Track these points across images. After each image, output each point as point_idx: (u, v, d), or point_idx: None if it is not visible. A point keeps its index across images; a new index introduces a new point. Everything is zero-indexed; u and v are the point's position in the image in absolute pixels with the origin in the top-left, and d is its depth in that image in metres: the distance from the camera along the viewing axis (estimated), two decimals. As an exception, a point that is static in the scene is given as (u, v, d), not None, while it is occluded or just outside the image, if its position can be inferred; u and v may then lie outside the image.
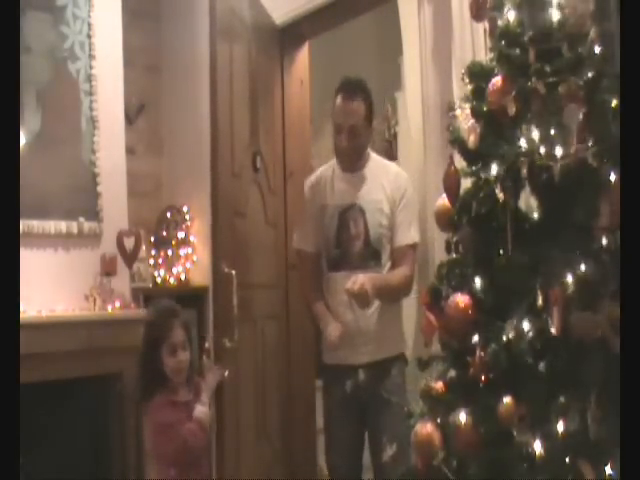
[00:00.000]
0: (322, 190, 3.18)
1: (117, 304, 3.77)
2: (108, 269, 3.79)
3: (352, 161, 3.13)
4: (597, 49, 2.09)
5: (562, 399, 1.98)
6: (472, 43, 2.90)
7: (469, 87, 2.37)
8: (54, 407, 3.62)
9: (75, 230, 3.79)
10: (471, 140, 2.29)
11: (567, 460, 1.94)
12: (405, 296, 3.12)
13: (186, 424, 2.58)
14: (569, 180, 2.06)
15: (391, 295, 3.04)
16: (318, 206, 3.17)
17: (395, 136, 5.05)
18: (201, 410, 2.63)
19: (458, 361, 2.25)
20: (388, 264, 3.09)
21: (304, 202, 3.28)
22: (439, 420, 2.23)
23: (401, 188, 3.10)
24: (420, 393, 2.37)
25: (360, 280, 2.83)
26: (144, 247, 4.20)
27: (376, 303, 3.00)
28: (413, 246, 3.08)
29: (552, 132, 2.07)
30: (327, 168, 3.26)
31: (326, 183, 3.18)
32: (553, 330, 2.00)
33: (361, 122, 3.06)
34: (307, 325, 3.78)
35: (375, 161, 3.20)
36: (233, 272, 2.98)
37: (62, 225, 3.74)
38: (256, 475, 3.37)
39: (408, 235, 3.07)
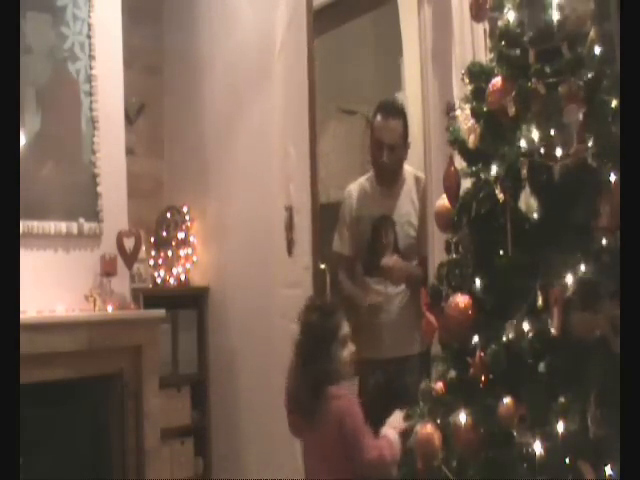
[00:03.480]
0: (359, 201, 3.45)
1: (117, 304, 3.78)
2: (108, 269, 3.79)
3: (389, 176, 3.38)
4: (597, 49, 2.09)
5: (562, 399, 1.97)
6: (472, 43, 2.90)
7: (469, 87, 2.37)
8: (54, 407, 3.61)
9: (75, 230, 3.79)
10: (471, 140, 2.30)
11: (567, 460, 1.94)
12: None
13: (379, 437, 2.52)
14: (569, 180, 2.06)
15: (415, 284, 3.25)
16: (354, 215, 3.44)
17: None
18: (392, 433, 2.55)
19: (458, 361, 2.25)
20: None
21: (342, 209, 3.52)
22: (439, 420, 2.23)
23: None
24: (420, 393, 2.37)
25: (395, 258, 3.24)
26: (144, 248, 4.20)
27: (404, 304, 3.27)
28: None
29: (552, 132, 2.07)
30: (364, 180, 3.51)
31: (363, 195, 3.45)
32: (553, 330, 2.00)
33: (399, 140, 3.32)
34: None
35: (408, 174, 3.42)
36: (323, 266, 3.02)
37: (62, 225, 3.75)
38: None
39: None
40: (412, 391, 3.01)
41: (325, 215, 3.52)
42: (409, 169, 3.44)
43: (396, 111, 3.34)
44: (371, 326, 3.27)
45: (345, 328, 2.62)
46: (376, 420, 3.10)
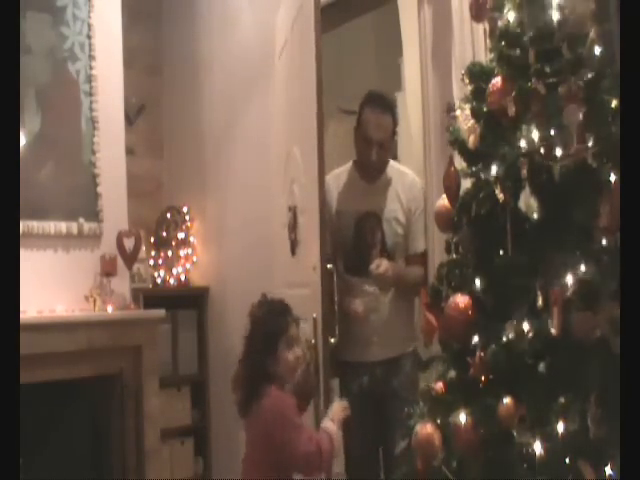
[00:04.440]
0: (339, 195, 3.23)
1: (117, 305, 3.78)
2: (108, 270, 3.79)
3: (375, 172, 3.21)
4: (597, 50, 2.09)
5: (562, 399, 1.97)
6: (472, 43, 2.90)
7: (469, 88, 2.37)
8: (54, 407, 3.62)
9: (75, 231, 3.79)
10: (471, 140, 2.30)
11: (567, 461, 1.94)
12: (416, 294, 3.17)
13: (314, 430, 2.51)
14: (569, 180, 2.06)
15: (406, 288, 3.16)
16: (334, 211, 3.21)
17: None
18: (331, 425, 2.55)
19: (458, 361, 2.25)
20: None
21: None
22: (439, 421, 2.23)
23: (417, 198, 3.20)
24: (420, 393, 2.37)
25: (384, 264, 3.03)
26: (144, 248, 4.20)
27: (389, 304, 3.15)
28: (426, 253, 3.20)
29: (552, 132, 2.07)
30: (342, 173, 3.30)
31: (343, 189, 3.24)
32: (553, 330, 2.00)
33: (389, 136, 3.15)
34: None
35: (392, 169, 3.25)
36: (329, 266, 2.97)
37: (62, 226, 3.75)
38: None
39: (422, 243, 3.19)
40: (401, 392, 3.03)
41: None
42: (394, 164, 3.29)
43: (386, 105, 3.17)
44: (359, 328, 3.15)
45: (293, 330, 2.57)
46: (364, 418, 3.11)
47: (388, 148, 3.18)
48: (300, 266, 3.19)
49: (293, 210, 3.27)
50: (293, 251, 3.29)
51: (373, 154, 3.12)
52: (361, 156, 3.20)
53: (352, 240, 3.18)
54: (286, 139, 3.53)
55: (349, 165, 3.30)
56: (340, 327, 3.08)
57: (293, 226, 3.26)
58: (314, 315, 2.82)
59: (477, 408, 2.13)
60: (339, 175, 3.29)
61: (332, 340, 2.97)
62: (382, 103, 3.17)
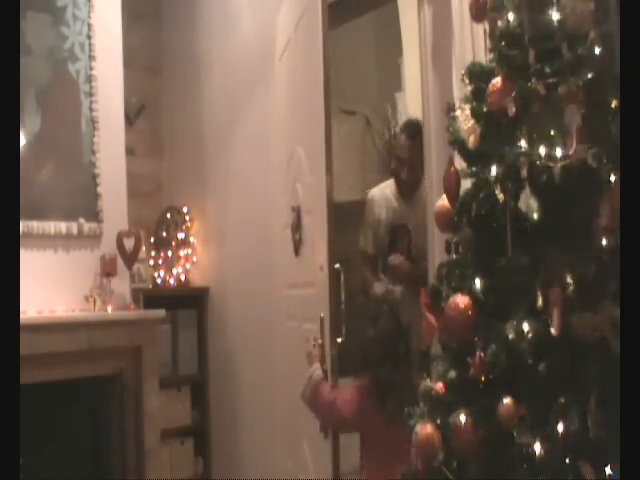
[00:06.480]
0: (380, 206, 3.75)
1: (117, 305, 3.78)
2: (108, 270, 3.80)
3: (409, 190, 3.67)
4: (597, 50, 2.09)
5: (562, 400, 1.97)
6: (472, 43, 2.89)
7: (469, 88, 2.37)
8: (54, 407, 3.62)
9: (75, 231, 3.80)
10: (471, 141, 2.29)
11: (567, 461, 1.93)
12: None
13: None
14: (569, 181, 2.05)
15: (416, 282, 3.32)
16: (376, 219, 3.75)
17: (395, 136, 5.05)
18: None
19: (458, 362, 2.25)
20: None
21: (365, 212, 3.81)
22: (439, 421, 2.23)
23: None
24: (420, 394, 2.37)
25: (400, 258, 3.57)
26: (144, 248, 4.21)
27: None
28: None
29: (552, 133, 2.07)
30: (386, 186, 3.79)
31: (384, 202, 3.75)
32: (553, 331, 2.00)
33: (418, 158, 3.41)
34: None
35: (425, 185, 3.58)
36: (337, 266, 2.98)
37: (62, 226, 3.75)
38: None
39: None
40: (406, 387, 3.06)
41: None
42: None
43: (418, 132, 3.45)
44: None
45: None
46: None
47: (418, 168, 3.48)
48: (304, 266, 3.19)
49: (297, 210, 3.28)
50: (297, 251, 3.30)
51: (404, 173, 3.60)
52: (395, 175, 3.70)
53: (387, 246, 3.67)
54: (289, 139, 3.53)
55: (392, 181, 3.77)
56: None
57: (297, 226, 3.28)
58: (321, 315, 2.83)
59: (477, 408, 2.12)
60: (383, 189, 3.79)
61: (339, 340, 2.99)
62: (414, 130, 3.55)
